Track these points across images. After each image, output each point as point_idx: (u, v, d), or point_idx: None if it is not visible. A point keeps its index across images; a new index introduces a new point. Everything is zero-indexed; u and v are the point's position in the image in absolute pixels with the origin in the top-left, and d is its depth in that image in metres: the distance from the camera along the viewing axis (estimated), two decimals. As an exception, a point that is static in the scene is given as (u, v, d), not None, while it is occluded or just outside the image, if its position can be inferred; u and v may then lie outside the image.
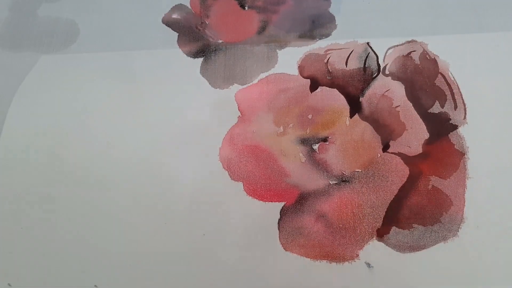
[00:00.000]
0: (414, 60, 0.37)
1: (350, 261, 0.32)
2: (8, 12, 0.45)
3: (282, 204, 0.34)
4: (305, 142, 0.35)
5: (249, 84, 0.38)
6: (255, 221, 0.33)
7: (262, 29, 0.41)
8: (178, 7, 0.43)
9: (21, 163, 0.37)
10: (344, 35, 0.39)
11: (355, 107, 0.36)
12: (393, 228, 0.32)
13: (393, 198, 0.33)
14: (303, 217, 0.33)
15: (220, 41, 0.41)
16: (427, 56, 0.38)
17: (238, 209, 0.34)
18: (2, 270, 0.34)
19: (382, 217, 0.33)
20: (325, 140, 0.35)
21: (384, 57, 0.38)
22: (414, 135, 0.35)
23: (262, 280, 0.32)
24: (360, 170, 0.34)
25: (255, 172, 0.35)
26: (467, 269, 0.31)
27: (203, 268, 0.32)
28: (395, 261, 0.31)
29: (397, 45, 0.38)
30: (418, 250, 0.32)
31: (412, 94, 0.36)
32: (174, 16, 0.43)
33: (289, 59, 0.39)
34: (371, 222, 0.33)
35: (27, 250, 0.34)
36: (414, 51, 0.38)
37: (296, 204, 0.34)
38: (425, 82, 0.36)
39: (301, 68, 0.38)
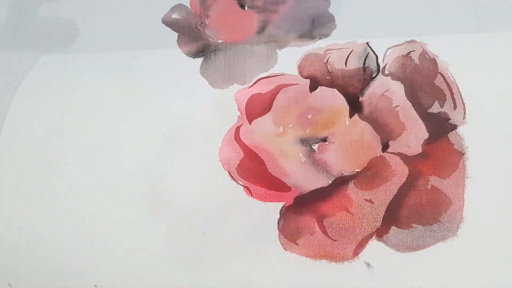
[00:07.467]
0: (414, 60, 0.37)
1: (349, 261, 0.32)
2: (8, 12, 0.45)
3: (282, 204, 0.34)
4: (305, 142, 0.35)
5: (248, 84, 0.38)
6: (254, 221, 0.33)
7: (261, 29, 0.41)
8: (178, 7, 0.43)
9: (21, 163, 0.37)
10: (343, 35, 0.39)
11: (354, 107, 0.36)
12: (393, 227, 0.32)
13: (393, 198, 0.33)
14: (302, 217, 0.33)
15: (220, 41, 0.41)
16: (426, 56, 0.38)
17: (237, 209, 0.34)
18: (2, 270, 0.34)
19: (382, 217, 0.33)
20: (324, 140, 0.35)
21: (384, 57, 0.38)
22: (414, 135, 0.35)
23: (262, 280, 0.32)
24: (359, 170, 0.34)
25: (255, 173, 0.35)
26: (466, 269, 0.31)
27: (203, 268, 0.33)
28: (394, 260, 0.31)
29: (397, 45, 0.38)
30: (417, 250, 0.32)
31: (412, 94, 0.36)
32: (174, 16, 0.43)
33: (289, 59, 0.39)
34: (370, 222, 0.33)
35: (27, 250, 0.34)
36: (414, 51, 0.38)
37: (295, 204, 0.34)
38: (425, 82, 0.36)
39: (300, 68, 0.38)
